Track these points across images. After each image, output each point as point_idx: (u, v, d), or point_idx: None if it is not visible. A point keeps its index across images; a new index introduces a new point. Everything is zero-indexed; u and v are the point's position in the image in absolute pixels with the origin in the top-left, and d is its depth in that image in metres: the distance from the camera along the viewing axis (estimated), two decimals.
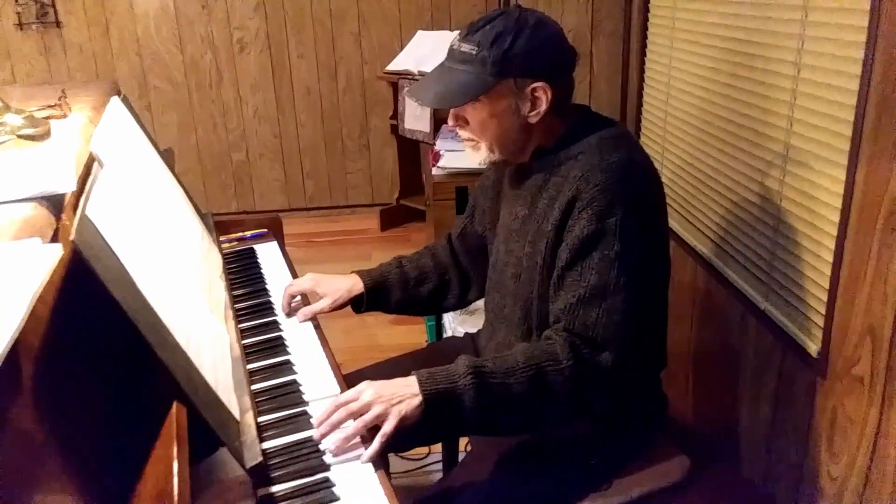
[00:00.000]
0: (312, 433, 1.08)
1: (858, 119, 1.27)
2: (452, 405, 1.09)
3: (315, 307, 1.43)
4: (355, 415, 1.06)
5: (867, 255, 1.27)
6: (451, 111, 1.25)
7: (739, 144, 1.76)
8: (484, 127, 1.22)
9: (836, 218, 1.36)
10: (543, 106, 1.18)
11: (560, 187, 1.19)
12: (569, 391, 1.11)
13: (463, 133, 1.26)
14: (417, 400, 1.07)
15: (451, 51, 1.22)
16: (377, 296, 1.47)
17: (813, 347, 1.44)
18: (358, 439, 1.06)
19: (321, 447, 1.06)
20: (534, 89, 1.17)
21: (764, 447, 1.66)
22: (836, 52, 1.38)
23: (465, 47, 1.18)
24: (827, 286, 1.39)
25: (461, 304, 1.56)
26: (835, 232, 1.36)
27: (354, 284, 1.46)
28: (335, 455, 1.04)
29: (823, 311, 1.41)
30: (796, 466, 1.53)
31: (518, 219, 1.29)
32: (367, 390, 1.08)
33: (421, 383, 1.09)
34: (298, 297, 1.48)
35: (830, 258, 1.38)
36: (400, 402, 1.07)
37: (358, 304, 1.47)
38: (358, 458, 1.04)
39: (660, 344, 1.34)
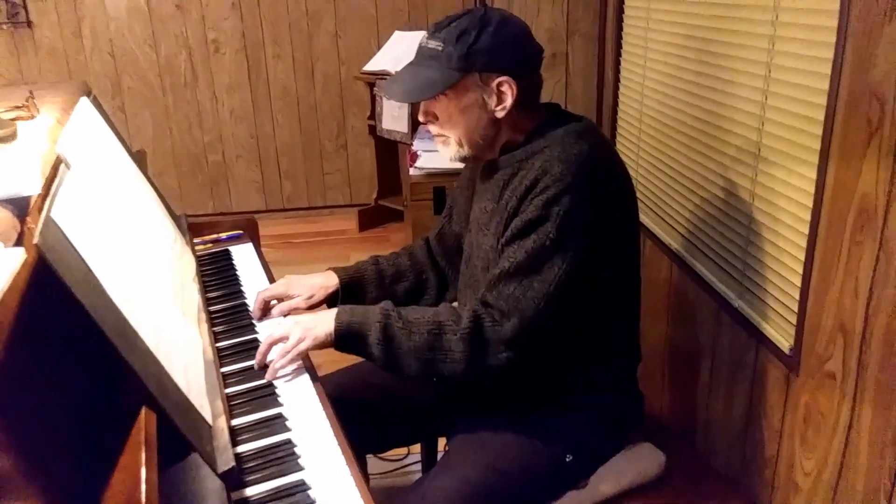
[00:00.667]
0: (288, 436, 1.08)
1: (829, 118, 1.29)
2: (359, 338, 1.22)
3: (290, 303, 1.43)
4: (278, 341, 1.23)
5: (838, 253, 1.28)
6: (421, 107, 1.28)
7: (713, 143, 1.78)
8: (452, 121, 1.25)
9: (807, 216, 1.37)
10: (509, 100, 1.21)
11: (523, 179, 1.22)
12: (461, 351, 1.18)
13: (433, 128, 1.29)
14: (331, 327, 1.22)
15: (420, 49, 1.26)
16: (352, 293, 1.47)
17: (785, 344, 1.46)
18: (287, 361, 1.21)
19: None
20: (499, 84, 1.21)
21: (738, 443, 1.67)
22: (806, 52, 1.39)
23: (432, 44, 1.22)
24: (799, 283, 1.41)
25: (437, 303, 1.55)
26: (806, 230, 1.38)
27: (329, 281, 1.46)
28: (269, 379, 1.20)
29: (796, 308, 1.42)
30: (770, 461, 1.55)
31: (486, 213, 1.31)
32: (290, 321, 1.25)
33: (337, 314, 1.24)
34: (274, 302, 1.47)
35: (802, 256, 1.39)
36: (315, 327, 1.22)
37: (333, 301, 1.46)
38: (331, 461, 1.03)
39: (632, 340, 1.35)
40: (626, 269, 1.28)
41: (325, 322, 1.23)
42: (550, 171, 1.17)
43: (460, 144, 1.27)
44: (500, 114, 1.23)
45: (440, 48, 1.20)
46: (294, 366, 1.23)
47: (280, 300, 1.46)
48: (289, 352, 1.22)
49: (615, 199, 1.23)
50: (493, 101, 1.22)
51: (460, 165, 1.34)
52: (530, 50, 1.25)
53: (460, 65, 1.19)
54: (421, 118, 1.29)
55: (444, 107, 1.24)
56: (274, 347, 1.24)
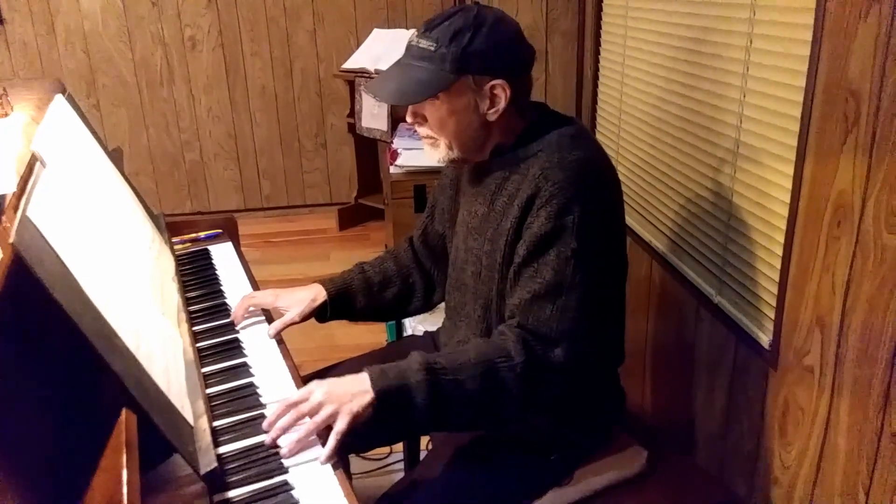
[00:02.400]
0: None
1: (805, 116, 1.30)
2: (404, 402, 1.07)
3: (285, 319, 1.39)
4: (306, 415, 1.05)
5: (815, 248, 1.30)
6: (410, 108, 1.23)
7: (692, 141, 1.79)
8: (443, 124, 1.21)
9: (785, 212, 1.39)
10: (502, 104, 1.18)
11: (519, 185, 1.19)
12: (521, 388, 1.11)
13: (421, 130, 1.25)
14: (369, 397, 1.06)
15: (410, 47, 1.21)
16: (341, 304, 1.45)
17: (765, 339, 1.47)
18: (313, 439, 1.04)
19: (279, 450, 1.04)
20: (493, 87, 1.17)
21: (719, 438, 1.69)
22: (783, 50, 1.41)
23: (424, 44, 1.17)
24: (777, 279, 1.42)
25: (427, 306, 1.55)
26: (784, 226, 1.39)
27: (318, 294, 1.43)
28: (288, 458, 1.02)
29: (774, 304, 1.44)
30: (751, 456, 1.56)
31: (477, 216, 1.28)
32: (317, 390, 1.07)
33: (372, 380, 1.07)
34: (252, 308, 1.44)
35: (780, 251, 1.41)
36: (351, 399, 1.05)
37: (322, 313, 1.44)
38: (314, 460, 1.02)
39: (618, 339, 1.36)
40: (616, 269, 1.29)
41: (359, 393, 1.06)
42: (551, 179, 1.14)
43: (450, 147, 1.23)
44: (492, 117, 1.20)
45: (433, 48, 1.15)
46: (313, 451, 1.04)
47: (265, 312, 1.43)
48: (314, 431, 1.04)
49: (613, 201, 1.23)
50: (485, 105, 1.18)
51: (441, 164, 1.32)
52: (524, 51, 1.21)
53: (454, 67, 1.15)
54: (409, 119, 1.25)
55: (435, 109, 1.19)
56: (290, 411, 1.06)
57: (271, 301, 1.41)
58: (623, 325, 1.36)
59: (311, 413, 1.05)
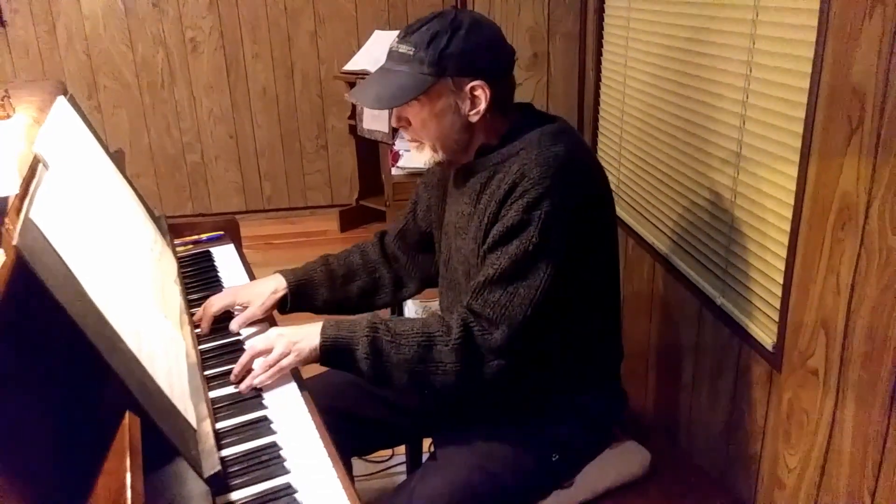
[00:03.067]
0: (273, 438, 1.06)
1: (809, 117, 1.30)
2: (346, 354, 1.19)
3: (246, 314, 1.37)
4: (261, 354, 1.19)
5: (819, 250, 1.29)
6: (394, 112, 1.26)
7: (694, 143, 1.79)
8: (425, 127, 1.23)
9: (788, 214, 1.38)
10: (483, 105, 1.20)
11: (500, 183, 1.21)
12: (453, 362, 1.16)
13: (406, 134, 1.28)
14: (316, 341, 1.18)
15: (390, 52, 1.23)
16: (302, 295, 1.44)
17: (768, 341, 1.47)
18: (270, 375, 1.17)
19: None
20: (472, 88, 1.19)
21: (722, 440, 1.68)
22: (786, 51, 1.40)
23: (403, 48, 1.20)
24: (781, 281, 1.42)
25: (394, 301, 1.55)
26: (787, 227, 1.39)
27: (278, 285, 1.42)
28: (244, 389, 1.16)
29: (778, 306, 1.43)
30: (754, 458, 1.56)
31: (464, 216, 1.29)
32: (273, 333, 1.21)
33: (323, 328, 1.20)
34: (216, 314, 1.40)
35: (784, 253, 1.40)
36: (300, 341, 1.18)
37: (283, 305, 1.43)
38: (317, 465, 1.02)
39: (614, 338, 1.36)
40: (605, 268, 1.28)
41: (310, 337, 1.19)
42: (528, 175, 1.16)
43: (434, 149, 1.25)
44: (474, 118, 1.21)
45: (411, 52, 1.18)
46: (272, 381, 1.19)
47: (229, 311, 1.40)
48: (271, 366, 1.18)
49: (593, 199, 1.22)
50: (466, 106, 1.20)
51: (428, 166, 1.32)
52: (503, 53, 1.23)
53: (432, 70, 1.17)
54: (394, 123, 1.28)
55: (417, 112, 1.22)
56: (256, 360, 1.20)
57: (231, 300, 1.40)
58: (618, 324, 1.35)
59: (266, 352, 1.18)
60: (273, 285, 1.42)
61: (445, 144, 1.25)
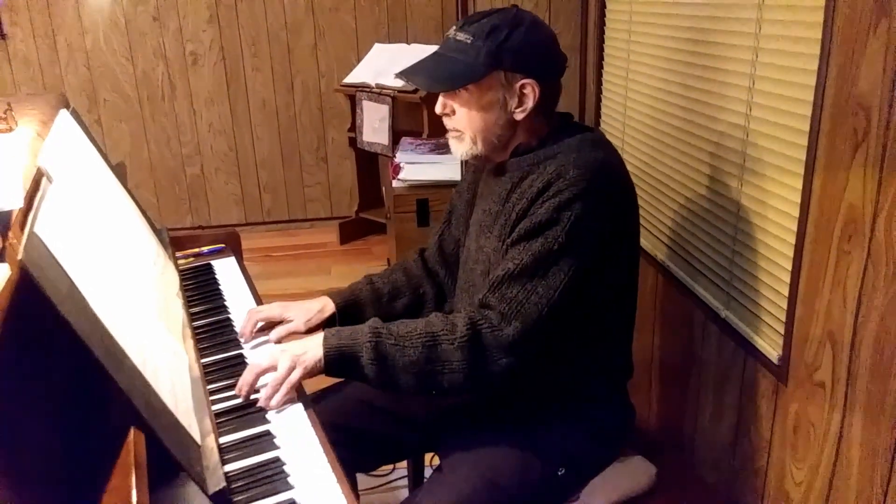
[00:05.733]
0: (277, 453, 1.05)
1: (814, 129, 1.30)
2: (351, 362, 1.17)
3: (288, 327, 1.38)
4: (266, 371, 1.16)
5: (825, 262, 1.29)
6: (441, 98, 1.27)
7: (697, 154, 1.78)
8: (470, 118, 1.23)
9: (793, 226, 1.38)
10: (530, 103, 1.21)
11: (533, 182, 1.20)
12: (460, 360, 1.14)
13: (448, 123, 1.28)
14: (320, 353, 1.17)
15: (447, 40, 1.24)
16: (350, 316, 1.43)
17: (774, 354, 1.46)
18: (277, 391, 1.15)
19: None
20: (522, 85, 1.20)
21: (729, 453, 1.67)
22: (790, 64, 1.40)
23: (461, 36, 1.21)
24: (786, 293, 1.41)
25: None
26: (792, 240, 1.38)
27: (325, 305, 1.42)
28: (262, 406, 1.14)
29: (784, 318, 1.43)
30: (761, 472, 1.54)
31: (490, 214, 1.29)
32: (275, 349, 1.19)
33: (325, 339, 1.18)
34: (261, 323, 1.40)
35: (789, 265, 1.40)
36: (303, 354, 1.16)
37: (330, 326, 1.40)
38: (320, 478, 1.01)
39: (625, 353, 1.35)
40: (625, 281, 1.28)
41: (313, 348, 1.18)
42: (565, 176, 1.16)
43: (474, 142, 1.25)
44: (518, 116, 1.22)
45: (469, 41, 1.19)
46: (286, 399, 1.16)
47: (273, 324, 1.40)
48: (280, 384, 1.15)
49: (624, 209, 1.23)
50: (514, 103, 1.21)
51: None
52: (557, 56, 1.25)
53: (488, 60, 1.18)
54: (438, 110, 1.27)
55: (465, 101, 1.22)
56: (262, 378, 1.17)
57: (279, 313, 1.40)
58: (630, 339, 1.35)
59: (270, 369, 1.16)
60: (320, 305, 1.42)
61: (486, 138, 1.25)
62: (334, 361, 1.17)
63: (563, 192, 1.14)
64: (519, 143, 1.26)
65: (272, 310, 1.40)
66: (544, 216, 1.15)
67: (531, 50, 1.19)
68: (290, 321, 1.39)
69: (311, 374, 1.17)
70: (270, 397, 1.14)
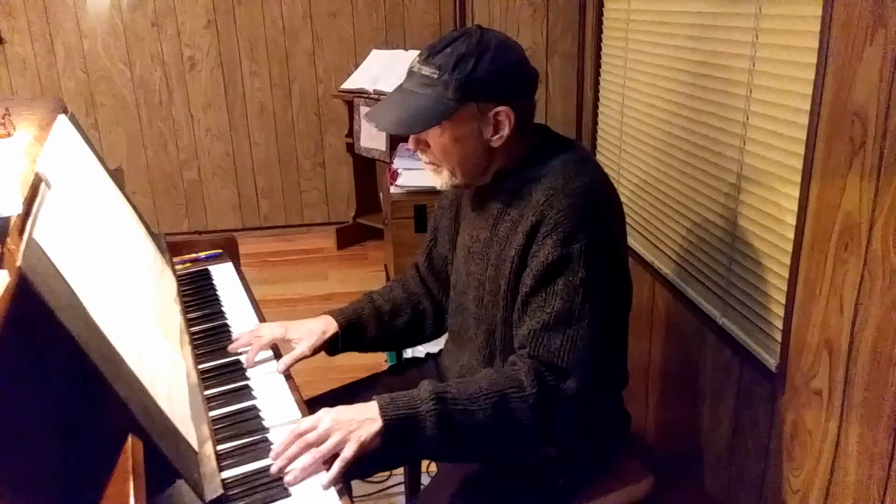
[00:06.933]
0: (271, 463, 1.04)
1: (811, 138, 1.30)
2: (413, 431, 1.06)
3: (295, 354, 1.33)
4: (314, 444, 1.03)
5: (822, 271, 1.29)
6: (412, 136, 1.21)
7: (694, 163, 1.79)
8: (446, 151, 1.19)
9: (790, 234, 1.38)
10: (506, 130, 1.16)
11: (523, 211, 1.18)
12: (533, 418, 1.09)
13: (424, 157, 1.23)
14: (378, 426, 1.04)
15: (411, 73, 1.18)
16: (352, 335, 1.41)
17: (771, 362, 1.46)
18: (319, 466, 1.02)
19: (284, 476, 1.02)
20: (497, 113, 1.15)
21: (726, 461, 1.67)
22: (787, 73, 1.41)
23: (426, 70, 1.14)
24: (783, 301, 1.41)
25: (438, 332, 1.51)
26: (790, 248, 1.38)
27: (328, 325, 1.39)
28: (293, 485, 1.00)
29: (781, 326, 1.43)
30: (758, 480, 1.54)
31: (479, 241, 1.27)
32: (325, 417, 1.05)
33: (381, 408, 1.06)
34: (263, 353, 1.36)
35: (786, 273, 1.40)
36: (359, 427, 1.04)
37: (333, 346, 1.40)
38: (318, 486, 1.00)
39: (621, 363, 1.35)
40: (621, 293, 1.27)
41: (368, 420, 1.05)
42: (557, 206, 1.12)
43: (453, 174, 1.21)
44: (496, 143, 1.17)
45: (435, 75, 1.13)
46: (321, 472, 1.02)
47: (276, 344, 1.38)
48: (321, 458, 1.02)
49: (618, 227, 1.22)
50: (489, 131, 1.16)
51: (444, 188, 1.30)
52: (528, 75, 1.19)
53: (458, 95, 1.12)
54: (411, 146, 1.24)
55: (438, 137, 1.17)
56: (298, 440, 1.03)
57: (281, 334, 1.36)
58: (626, 349, 1.35)
59: (319, 441, 1.03)
60: (323, 325, 1.39)
61: (465, 169, 1.20)
62: (394, 433, 1.05)
63: (562, 223, 1.11)
64: (499, 166, 1.23)
65: (273, 331, 1.36)
66: (554, 255, 1.11)
67: (501, 76, 1.13)
68: (293, 343, 1.36)
69: (365, 449, 1.03)
70: (308, 469, 1.01)
